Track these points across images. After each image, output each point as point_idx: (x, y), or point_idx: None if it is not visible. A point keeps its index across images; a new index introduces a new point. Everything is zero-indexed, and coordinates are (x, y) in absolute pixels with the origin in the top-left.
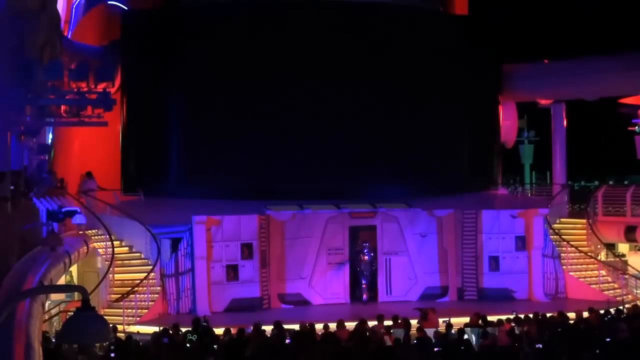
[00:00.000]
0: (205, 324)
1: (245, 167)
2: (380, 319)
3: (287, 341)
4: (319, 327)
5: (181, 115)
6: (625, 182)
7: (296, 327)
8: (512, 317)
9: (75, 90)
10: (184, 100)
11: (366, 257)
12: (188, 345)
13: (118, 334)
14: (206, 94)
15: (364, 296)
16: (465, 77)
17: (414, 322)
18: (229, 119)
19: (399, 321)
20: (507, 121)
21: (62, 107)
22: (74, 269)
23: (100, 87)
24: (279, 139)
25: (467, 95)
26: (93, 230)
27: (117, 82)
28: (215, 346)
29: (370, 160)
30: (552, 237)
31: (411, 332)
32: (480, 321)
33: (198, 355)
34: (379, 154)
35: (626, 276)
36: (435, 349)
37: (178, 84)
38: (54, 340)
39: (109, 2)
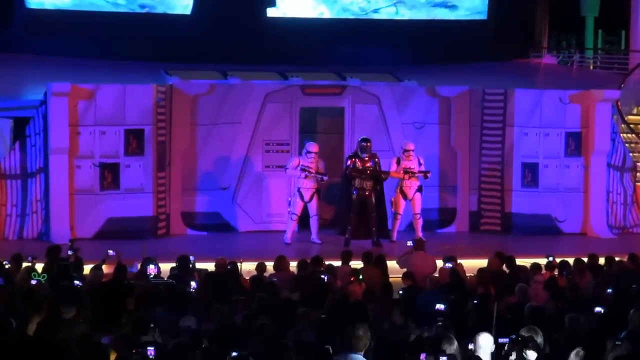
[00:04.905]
0: (72, 252)
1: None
2: (347, 257)
3: (194, 287)
4: (247, 267)
5: None
6: None
7: (211, 265)
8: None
9: None
10: None
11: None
12: (35, 288)
13: None
14: None
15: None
16: None
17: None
18: None
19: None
20: None
21: None
22: None
23: None
24: None
25: None
26: None
27: None
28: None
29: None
30: (624, 135)
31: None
32: (504, 266)
33: (52, 305)
34: None
35: None
36: (437, 307)
37: None
38: None
39: None
